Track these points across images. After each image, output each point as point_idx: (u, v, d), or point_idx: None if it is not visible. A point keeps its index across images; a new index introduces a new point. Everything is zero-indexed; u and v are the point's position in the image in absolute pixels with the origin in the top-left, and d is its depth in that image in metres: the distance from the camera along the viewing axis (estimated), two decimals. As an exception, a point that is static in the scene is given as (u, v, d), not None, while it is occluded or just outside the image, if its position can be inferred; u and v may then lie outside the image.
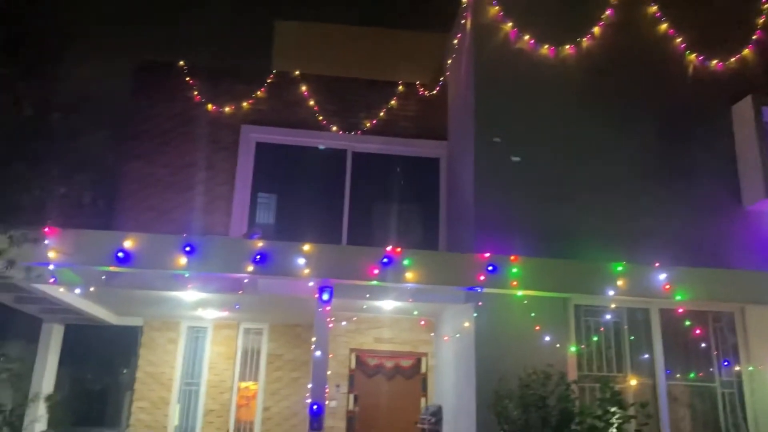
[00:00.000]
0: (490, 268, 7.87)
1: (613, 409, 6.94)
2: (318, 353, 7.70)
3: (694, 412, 8.57)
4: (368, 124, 11.72)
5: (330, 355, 8.06)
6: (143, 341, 11.31)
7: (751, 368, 8.57)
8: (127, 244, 7.41)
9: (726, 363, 8.72)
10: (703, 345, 8.73)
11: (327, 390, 7.91)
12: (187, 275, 7.81)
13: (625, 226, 8.87)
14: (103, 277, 7.89)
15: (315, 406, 7.56)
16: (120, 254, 7.33)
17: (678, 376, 8.60)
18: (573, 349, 8.34)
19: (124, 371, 11.43)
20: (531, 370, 7.32)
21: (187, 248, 7.41)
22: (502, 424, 7.16)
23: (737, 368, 8.66)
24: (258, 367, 11.40)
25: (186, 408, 11.22)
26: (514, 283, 7.85)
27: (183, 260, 7.41)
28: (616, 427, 6.83)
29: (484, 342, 8.16)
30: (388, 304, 9.47)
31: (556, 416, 7.05)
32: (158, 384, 11.14)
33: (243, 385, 11.34)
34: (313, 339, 7.74)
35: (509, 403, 7.18)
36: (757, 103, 9.34)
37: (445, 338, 10.43)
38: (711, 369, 8.68)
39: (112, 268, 7.45)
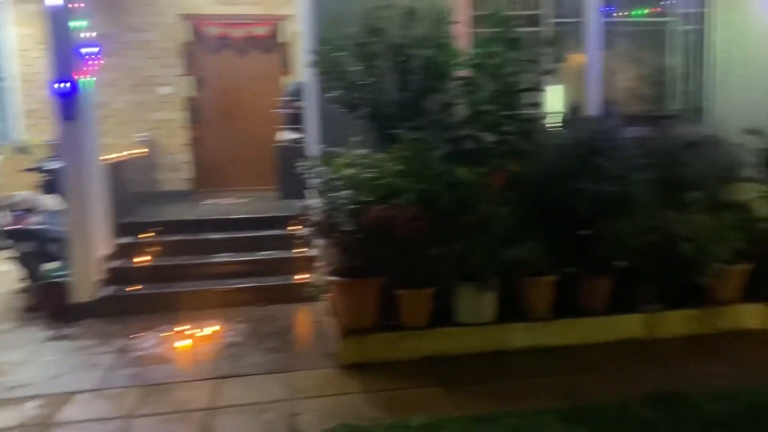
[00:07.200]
0: None
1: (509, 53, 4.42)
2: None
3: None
4: None
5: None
6: None
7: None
8: None
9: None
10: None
11: (92, 63, 5.21)
12: None
13: None
14: None
15: (61, 84, 4.95)
16: None
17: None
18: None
19: None
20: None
21: None
22: (330, 89, 4.62)
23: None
24: (83, 53, 8.60)
25: (-1, 110, 8.75)
26: None
27: None
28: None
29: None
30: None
31: (420, 73, 4.52)
32: (-51, 88, 8.45)
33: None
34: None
35: (343, 57, 4.55)
36: None
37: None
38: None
39: None
